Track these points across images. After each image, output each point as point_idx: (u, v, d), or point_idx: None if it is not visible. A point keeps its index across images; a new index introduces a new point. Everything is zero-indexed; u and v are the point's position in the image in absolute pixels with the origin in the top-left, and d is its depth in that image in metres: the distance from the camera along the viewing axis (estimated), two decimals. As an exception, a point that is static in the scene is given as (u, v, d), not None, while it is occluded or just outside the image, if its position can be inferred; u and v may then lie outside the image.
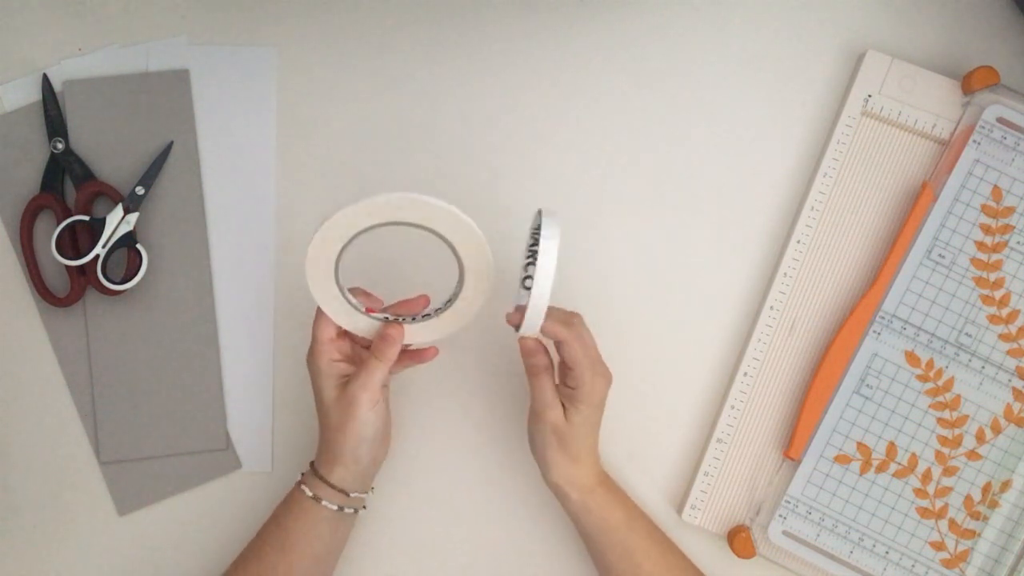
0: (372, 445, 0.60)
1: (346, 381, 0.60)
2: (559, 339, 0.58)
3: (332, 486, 0.60)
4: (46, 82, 0.68)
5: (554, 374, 0.60)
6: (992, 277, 0.65)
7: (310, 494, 0.60)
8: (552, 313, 0.58)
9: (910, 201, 0.66)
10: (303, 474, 0.62)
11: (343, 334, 0.61)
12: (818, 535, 0.65)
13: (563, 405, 0.59)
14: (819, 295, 0.67)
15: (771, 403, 0.67)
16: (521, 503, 0.68)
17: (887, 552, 0.65)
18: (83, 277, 0.67)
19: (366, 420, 0.59)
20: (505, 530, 0.68)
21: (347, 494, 0.61)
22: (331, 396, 0.60)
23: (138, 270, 0.67)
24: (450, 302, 0.59)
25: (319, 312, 0.60)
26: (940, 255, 0.65)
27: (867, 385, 0.65)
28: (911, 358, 0.65)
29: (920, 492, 0.65)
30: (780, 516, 0.65)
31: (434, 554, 0.68)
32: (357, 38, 0.70)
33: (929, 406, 0.65)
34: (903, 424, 0.65)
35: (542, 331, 0.58)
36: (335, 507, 0.60)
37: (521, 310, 0.58)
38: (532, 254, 0.59)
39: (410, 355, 0.62)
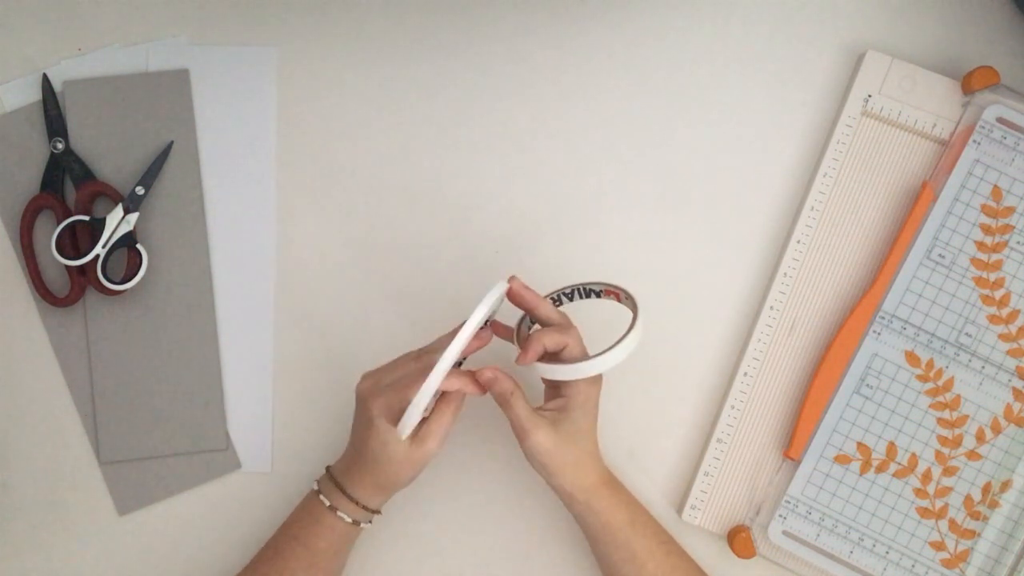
0: None
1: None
2: (561, 345, 0.58)
3: (371, 510, 0.60)
4: (46, 82, 0.68)
5: (524, 397, 0.59)
6: (992, 277, 0.65)
7: (349, 520, 0.60)
8: (550, 319, 0.59)
9: (910, 201, 0.66)
10: (323, 496, 0.61)
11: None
12: (818, 535, 0.65)
13: (551, 420, 0.59)
14: (819, 295, 0.67)
15: (771, 403, 0.67)
16: (524, 504, 0.68)
17: (887, 552, 0.65)
18: (83, 277, 0.67)
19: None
20: (507, 530, 0.68)
21: (379, 511, 0.62)
22: (402, 451, 0.58)
23: (138, 270, 0.67)
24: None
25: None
26: (940, 255, 0.65)
27: (867, 385, 0.65)
28: (911, 358, 0.65)
29: (920, 492, 0.65)
30: (780, 516, 0.65)
31: (434, 555, 0.68)
32: (357, 38, 0.70)
33: (929, 406, 0.65)
34: (903, 424, 0.65)
35: (545, 345, 0.58)
36: (369, 523, 0.61)
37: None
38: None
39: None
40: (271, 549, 0.62)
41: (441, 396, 0.59)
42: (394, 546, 0.68)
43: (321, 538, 0.60)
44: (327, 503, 0.60)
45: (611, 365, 0.58)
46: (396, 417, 0.57)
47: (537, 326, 0.61)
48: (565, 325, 0.60)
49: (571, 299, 0.63)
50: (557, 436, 0.58)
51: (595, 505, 0.60)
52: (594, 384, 0.60)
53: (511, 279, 0.59)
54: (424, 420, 0.58)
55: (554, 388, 0.61)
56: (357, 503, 0.60)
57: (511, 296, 0.59)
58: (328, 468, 0.62)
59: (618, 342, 0.58)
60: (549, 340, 0.58)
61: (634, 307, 0.59)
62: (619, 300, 0.62)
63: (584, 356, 0.59)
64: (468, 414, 0.68)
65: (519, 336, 0.62)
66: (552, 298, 0.63)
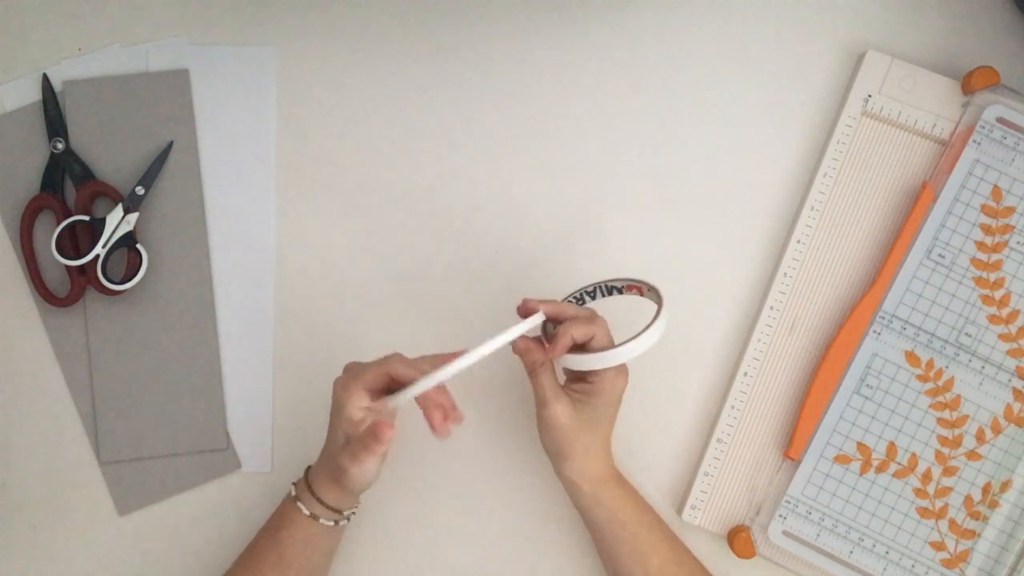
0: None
1: None
2: (589, 335, 0.58)
3: (328, 507, 0.60)
4: (46, 82, 0.68)
5: (552, 371, 0.59)
6: (992, 277, 0.65)
7: (306, 513, 0.60)
8: (577, 315, 0.59)
9: (910, 201, 0.66)
10: (294, 485, 0.61)
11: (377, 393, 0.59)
12: (818, 535, 0.65)
13: (572, 400, 0.59)
14: (819, 295, 0.67)
15: (771, 403, 0.67)
16: (525, 501, 0.68)
17: (887, 552, 0.65)
18: (83, 277, 0.67)
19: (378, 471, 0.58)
20: (508, 527, 0.68)
21: (341, 512, 0.61)
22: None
23: (138, 270, 0.67)
24: None
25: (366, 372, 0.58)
26: (940, 255, 0.65)
27: (867, 385, 0.65)
28: (911, 358, 0.65)
29: (920, 492, 0.65)
30: (780, 516, 0.65)
31: (434, 554, 0.68)
32: (357, 37, 0.70)
33: (929, 406, 0.65)
34: (903, 424, 0.65)
35: (574, 337, 0.58)
36: (331, 523, 0.60)
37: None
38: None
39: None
40: (248, 545, 0.62)
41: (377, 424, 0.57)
42: (395, 548, 0.68)
43: (284, 531, 0.60)
44: (292, 494, 0.60)
45: (639, 352, 0.57)
46: (351, 396, 0.57)
47: None
48: (591, 316, 0.60)
49: (593, 297, 0.63)
50: (576, 415, 0.59)
51: (602, 498, 0.60)
52: (621, 375, 0.59)
53: (525, 301, 0.58)
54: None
55: (579, 377, 0.61)
56: (314, 495, 0.60)
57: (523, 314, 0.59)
58: (307, 474, 0.62)
59: (644, 330, 0.57)
60: (577, 331, 0.58)
61: (658, 298, 0.59)
62: (642, 294, 0.61)
63: (612, 345, 0.59)
64: (475, 408, 0.69)
65: (546, 335, 0.62)
66: (575, 297, 0.63)
